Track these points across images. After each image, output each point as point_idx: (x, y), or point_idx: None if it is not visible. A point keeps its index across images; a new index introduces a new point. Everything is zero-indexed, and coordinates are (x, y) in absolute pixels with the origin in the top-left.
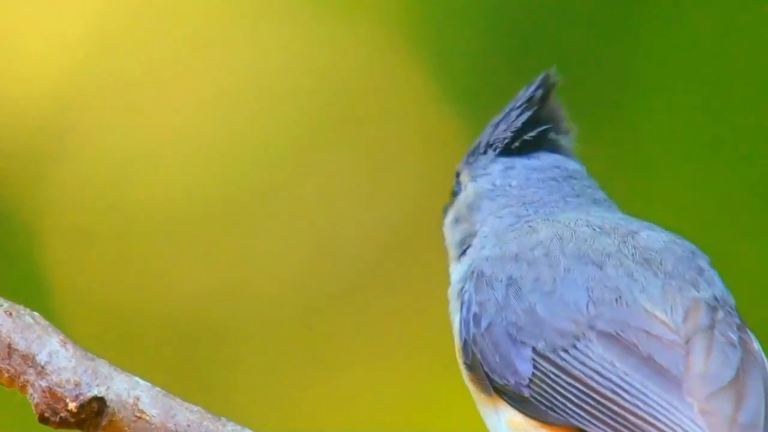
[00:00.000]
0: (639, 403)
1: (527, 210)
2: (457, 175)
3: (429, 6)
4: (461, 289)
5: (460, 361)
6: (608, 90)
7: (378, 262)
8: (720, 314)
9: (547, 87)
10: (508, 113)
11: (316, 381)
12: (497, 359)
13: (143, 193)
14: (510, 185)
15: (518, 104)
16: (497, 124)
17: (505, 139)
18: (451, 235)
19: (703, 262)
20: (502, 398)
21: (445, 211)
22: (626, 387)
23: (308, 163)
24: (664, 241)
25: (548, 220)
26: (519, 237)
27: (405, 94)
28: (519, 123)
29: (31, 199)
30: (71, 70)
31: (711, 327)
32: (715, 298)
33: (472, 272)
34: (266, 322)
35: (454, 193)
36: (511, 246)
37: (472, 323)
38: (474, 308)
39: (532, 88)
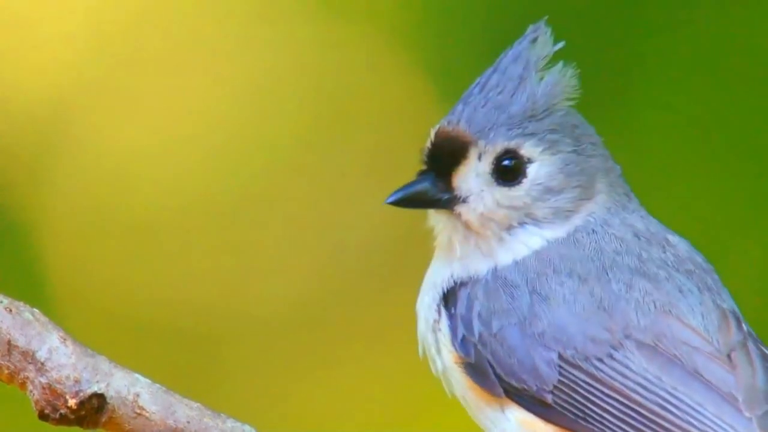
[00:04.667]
0: (692, 420)
1: (630, 202)
2: (508, 151)
3: (428, 6)
4: (454, 284)
5: (449, 358)
6: (608, 88)
7: (376, 262)
8: (744, 326)
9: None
10: (555, 72)
11: (314, 379)
12: (515, 362)
13: (142, 192)
14: (592, 144)
15: (543, 61)
16: (555, 84)
17: (569, 99)
18: (532, 211)
19: (715, 273)
20: (513, 399)
21: (432, 184)
22: (676, 402)
23: (306, 164)
24: (687, 249)
25: (593, 225)
26: (561, 248)
27: (404, 94)
28: (573, 81)
29: (31, 199)
30: (71, 70)
31: (744, 340)
32: (735, 310)
33: (478, 277)
34: (264, 321)
35: (506, 169)
36: (553, 256)
37: (477, 322)
38: (479, 309)
39: (546, 44)
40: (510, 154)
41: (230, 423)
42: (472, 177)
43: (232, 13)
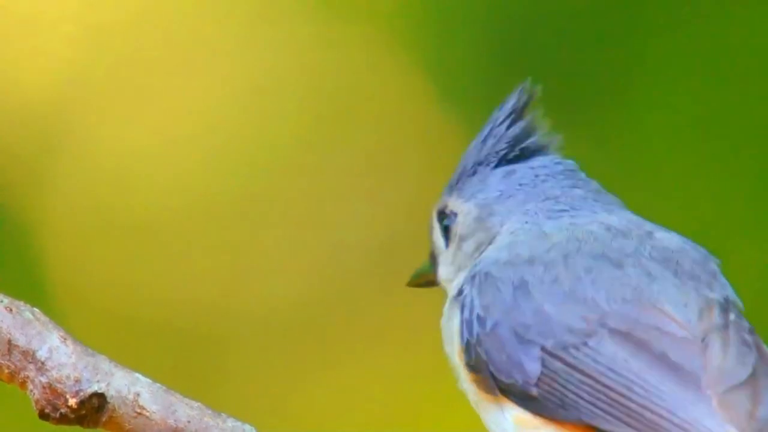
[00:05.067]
0: (654, 398)
1: (556, 205)
2: (441, 212)
3: (428, 6)
4: (459, 293)
5: (459, 363)
6: (608, 88)
7: (375, 262)
8: (732, 316)
9: (528, 96)
10: (494, 129)
11: (315, 379)
12: (504, 359)
13: (142, 192)
14: (520, 185)
15: (502, 118)
16: (485, 141)
17: (500, 151)
18: (457, 261)
19: (715, 265)
20: (508, 397)
21: (433, 260)
22: (641, 383)
23: (306, 164)
24: (677, 243)
25: (562, 221)
26: (530, 240)
27: (403, 94)
28: (513, 133)
29: (31, 199)
30: (71, 70)
31: (725, 326)
32: (727, 301)
33: (473, 276)
34: (264, 321)
35: (445, 230)
36: (522, 250)
37: (476, 324)
38: (477, 310)
39: (513, 100)
40: (442, 215)
41: (231, 422)
42: (438, 244)
43: (232, 13)
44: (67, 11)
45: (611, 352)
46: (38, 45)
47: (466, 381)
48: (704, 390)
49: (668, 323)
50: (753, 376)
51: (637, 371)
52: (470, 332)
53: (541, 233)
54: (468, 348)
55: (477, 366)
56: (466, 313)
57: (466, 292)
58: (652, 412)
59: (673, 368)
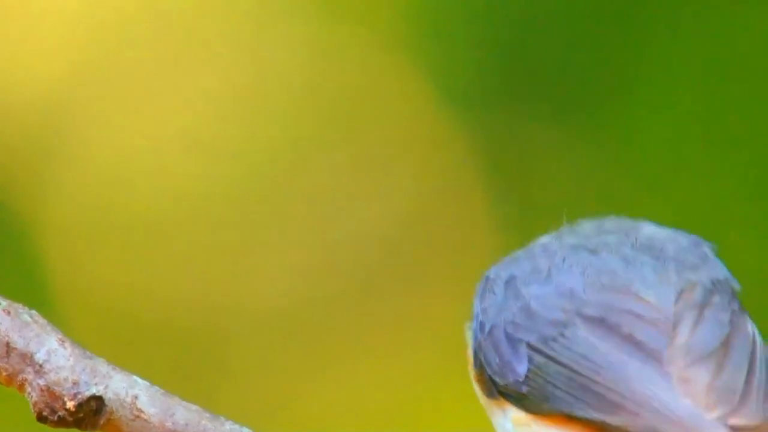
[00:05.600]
0: (617, 379)
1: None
2: None
3: (427, 6)
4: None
5: (471, 371)
6: (608, 88)
7: (376, 262)
8: (716, 298)
9: None
10: None
11: (314, 380)
12: (498, 360)
13: (142, 191)
14: None
15: None
16: None
17: None
18: None
19: (707, 249)
20: (506, 398)
21: None
22: (606, 365)
23: (306, 164)
24: (666, 233)
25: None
26: (525, 246)
27: (403, 94)
28: None
29: (31, 199)
30: (70, 70)
31: (702, 306)
32: (714, 283)
33: (478, 283)
34: (265, 321)
35: None
36: (516, 252)
37: (478, 330)
38: (480, 316)
39: None
40: None
41: (229, 426)
42: None
43: (231, 13)
44: (67, 11)
45: (583, 339)
46: (38, 45)
47: (475, 386)
48: (666, 366)
49: (641, 306)
50: (720, 350)
51: (605, 355)
52: (475, 339)
53: (535, 241)
54: (475, 355)
55: (481, 370)
56: (474, 323)
57: (474, 301)
58: (614, 392)
59: (637, 347)
